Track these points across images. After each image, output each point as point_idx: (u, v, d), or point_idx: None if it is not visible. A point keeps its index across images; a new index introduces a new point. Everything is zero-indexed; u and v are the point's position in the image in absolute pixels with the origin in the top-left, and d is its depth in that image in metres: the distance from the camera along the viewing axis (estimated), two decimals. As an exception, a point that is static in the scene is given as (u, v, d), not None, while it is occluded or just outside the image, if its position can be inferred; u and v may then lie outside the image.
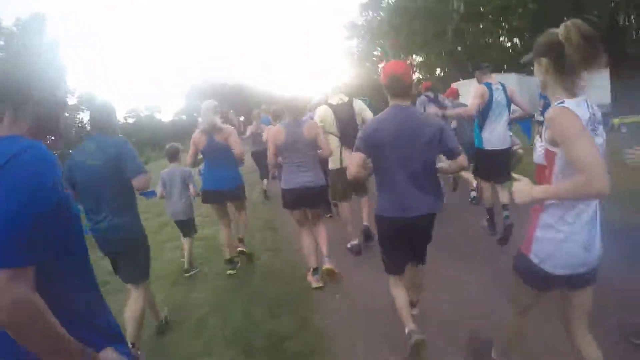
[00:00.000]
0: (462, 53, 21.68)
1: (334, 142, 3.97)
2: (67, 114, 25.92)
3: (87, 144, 2.54)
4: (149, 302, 2.92)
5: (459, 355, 2.39)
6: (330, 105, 4.07)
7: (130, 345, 2.42)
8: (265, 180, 7.67)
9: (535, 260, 1.65)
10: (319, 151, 3.46)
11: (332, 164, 4.16)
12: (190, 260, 4.31)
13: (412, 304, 2.67)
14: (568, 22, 1.47)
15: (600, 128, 1.55)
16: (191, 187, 4.19)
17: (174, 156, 4.25)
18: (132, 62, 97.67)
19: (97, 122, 2.63)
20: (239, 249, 4.27)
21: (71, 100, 27.50)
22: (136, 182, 2.49)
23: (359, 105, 4.16)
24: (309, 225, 3.67)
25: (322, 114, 4.05)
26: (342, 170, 3.82)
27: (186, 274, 4.24)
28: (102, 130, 2.60)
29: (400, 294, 2.47)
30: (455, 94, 6.14)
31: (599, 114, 1.57)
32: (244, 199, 4.27)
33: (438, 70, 26.51)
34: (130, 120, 44.58)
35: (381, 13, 28.92)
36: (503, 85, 4.04)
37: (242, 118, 10.47)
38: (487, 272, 3.39)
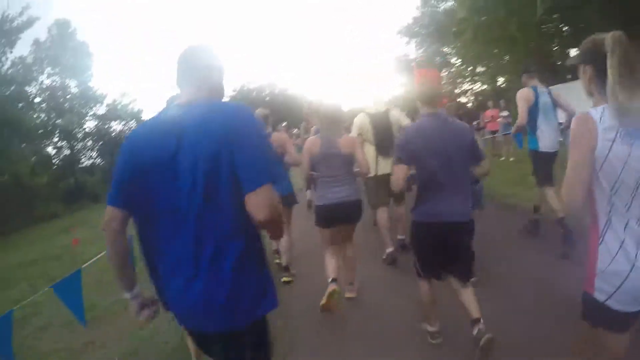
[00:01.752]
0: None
1: (370, 150, 4.07)
2: (97, 123, 26.90)
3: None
4: None
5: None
6: (368, 114, 4.20)
7: None
8: (308, 191, 7.52)
9: (599, 298, 1.46)
10: (355, 169, 3.38)
11: (372, 171, 4.06)
12: None
13: (476, 320, 2.44)
14: (615, 32, 1.40)
15: None
16: None
17: None
18: (160, 64, 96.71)
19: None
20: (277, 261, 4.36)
21: (100, 110, 27.87)
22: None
23: (395, 114, 4.26)
24: (337, 247, 3.52)
25: (360, 123, 4.21)
26: (378, 178, 4.03)
27: None
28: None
29: (427, 294, 2.58)
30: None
31: None
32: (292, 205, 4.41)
33: (500, 80, 24.92)
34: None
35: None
36: (549, 90, 4.25)
37: (283, 124, 10.26)
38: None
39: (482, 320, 2.36)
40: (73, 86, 26.77)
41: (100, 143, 27.65)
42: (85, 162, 28.21)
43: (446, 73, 33.72)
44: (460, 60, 28.83)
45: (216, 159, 1.25)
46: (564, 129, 4.14)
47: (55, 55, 24.80)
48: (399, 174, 2.42)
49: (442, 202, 2.38)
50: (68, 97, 26.33)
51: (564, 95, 4.24)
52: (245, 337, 1.35)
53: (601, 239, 1.44)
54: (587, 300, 1.51)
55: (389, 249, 4.18)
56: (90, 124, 27.97)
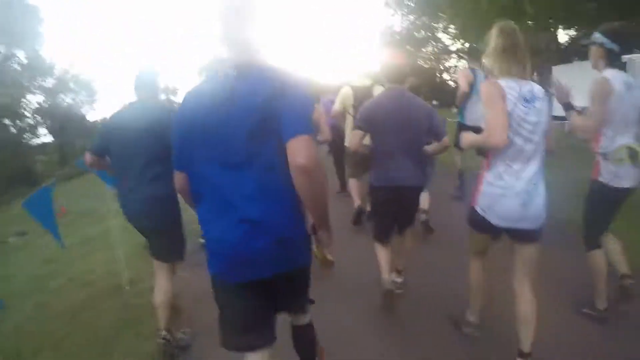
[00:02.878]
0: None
1: (351, 122, 4.26)
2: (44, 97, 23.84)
3: (126, 109, 2.61)
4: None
5: (440, 321, 2.71)
6: (352, 87, 4.36)
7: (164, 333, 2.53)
8: None
9: (480, 212, 2.07)
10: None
11: (348, 143, 4.29)
12: None
13: (398, 271, 3.16)
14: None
15: (538, 103, 1.95)
16: None
17: None
18: (139, 33, 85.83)
19: (137, 89, 2.63)
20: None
21: (48, 82, 24.87)
22: None
23: (378, 89, 4.24)
24: None
25: (344, 95, 4.38)
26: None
27: None
28: (143, 96, 2.62)
29: (383, 255, 2.88)
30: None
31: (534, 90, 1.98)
32: None
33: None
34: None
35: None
36: (485, 74, 4.53)
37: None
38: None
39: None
40: (22, 56, 23.77)
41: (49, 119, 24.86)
42: (35, 140, 25.39)
43: (430, 48, 32.22)
44: (451, 33, 27.24)
45: (266, 115, 1.36)
46: None
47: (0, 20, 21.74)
48: (355, 137, 2.75)
49: (395, 169, 2.67)
50: (12, 68, 23.35)
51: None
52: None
53: (489, 168, 2.05)
54: (471, 212, 2.15)
55: (357, 204, 4.65)
56: (38, 99, 25.09)
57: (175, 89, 44.46)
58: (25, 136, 24.49)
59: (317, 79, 5.23)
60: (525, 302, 2.07)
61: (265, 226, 1.40)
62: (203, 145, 1.45)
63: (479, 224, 2.10)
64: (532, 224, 1.98)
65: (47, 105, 25.06)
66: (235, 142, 1.39)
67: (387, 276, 2.85)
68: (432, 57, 32.95)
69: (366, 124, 2.69)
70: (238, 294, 1.53)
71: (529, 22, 15.20)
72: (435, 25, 30.43)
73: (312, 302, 1.83)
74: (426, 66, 33.16)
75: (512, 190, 1.94)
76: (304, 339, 1.87)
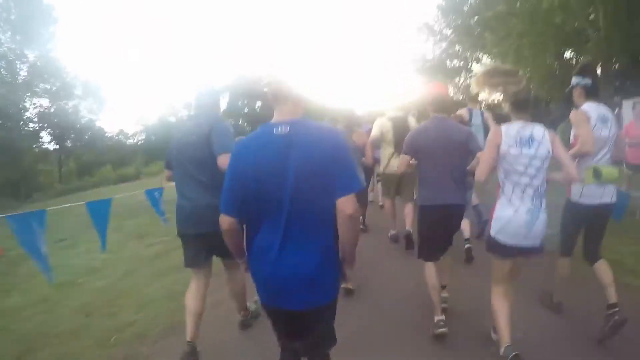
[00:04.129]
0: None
1: (389, 150, 4.81)
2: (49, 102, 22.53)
3: (185, 123, 2.92)
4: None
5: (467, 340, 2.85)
6: (389, 118, 4.85)
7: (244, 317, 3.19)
8: None
9: (492, 233, 2.42)
10: (362, 158, 4.51)
11: (383, 168, 4.95)
12: None
13: (442, 287, 3.16)
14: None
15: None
16: None
17: None
18: (162, 53, 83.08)
19: (198, 103, 2.85)
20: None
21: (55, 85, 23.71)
22: (220, 159, 2.55)
23: (412, 120, 4.88)
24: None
25: (381, 125, 4.85)
26: (390, 175, 4.84)
27: None
28: (204, 111, 2.82)
29: (432, 273, 2.95)
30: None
31: None
32: None
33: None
34: (172, 119, 42.34)
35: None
36: (482, 112, 4.92)
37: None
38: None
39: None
40: (32, 57, 22.78)
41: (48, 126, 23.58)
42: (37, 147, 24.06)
43: (462, 80, 30.40)
44: (485, 64, 25.31)
45: (318, 172, 1.61)
46: None
47: (12, 17, 20.88)
48: (402, 160, 3.08)
49: (440, 189, 2.89)
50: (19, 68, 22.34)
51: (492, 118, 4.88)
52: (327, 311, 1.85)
53: (499, 196, 2.44)
54: (488, 236, 2.48)
55: (392, 232, 5.21)
56: (43, 102, 23.93)
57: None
58: (26, 142, 23.04)
59: (353, 109, 5.25)
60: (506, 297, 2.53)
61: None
62: (255, 191, 1.66)
63: (494, 245, 2.44)
64: (536, 243, 2.40)
65: (52, 110, 23.85)
66: (286, 192, 1.63)
67: (440, 316, 2.86)
68: (462, 88, 31.10)
69: (413, 149, 2.98)
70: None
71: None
72: (468, 55, 28.83)
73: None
74: (457, 98, 31.24)
75: (520, 216, 2.33)
76: None
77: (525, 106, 2.35)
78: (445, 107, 2.99)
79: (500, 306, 2.45)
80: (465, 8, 26.69)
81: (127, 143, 42.45)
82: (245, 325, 3.15)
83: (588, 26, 12.99)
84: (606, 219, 2.84)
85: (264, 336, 2.67)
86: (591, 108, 2.69)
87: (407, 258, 4.38)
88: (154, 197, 5.31)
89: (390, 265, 4.39)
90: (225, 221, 1.73)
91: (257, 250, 1.73)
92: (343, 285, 3.50)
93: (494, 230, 2.39)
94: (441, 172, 2.87)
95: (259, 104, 40.93)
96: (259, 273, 1.74)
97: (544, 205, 2.33)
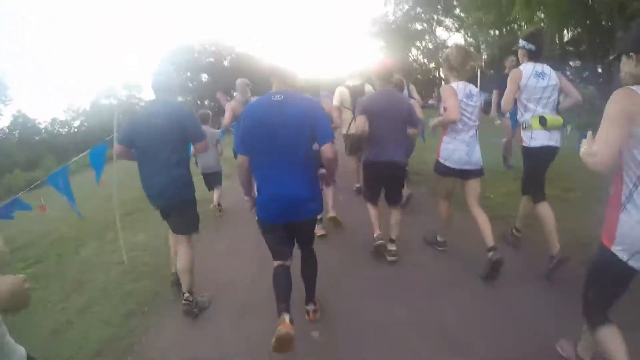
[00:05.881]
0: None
1: (348, 114, 5.17)
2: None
3: (150, 106, 3.16)
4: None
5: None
6: (347, 87, 5.32)
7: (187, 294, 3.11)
8: None
9: (441, 160, 3.24)
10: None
11: (346, 130, 5.24)
12: (219, 202, 5.71)
13: (392, 240, 3.63)
14: None
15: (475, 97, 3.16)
16: (219, 146, 5.75)
17: (205, 120, 5.62)
18: (96, 26, 74.08)
19: (157, 87, 3.08)
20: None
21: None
22: (198, 146, 3.14)
23: (369, 89, 5.28)
24: None
25: (341, 93, 5.32)
26: (349, 135, 5.14)
27: (218, 213, 5.65)
28: (162, 96, 3.08)
29: (374, 213, 3.72)
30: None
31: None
32: None
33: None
34: (106, 102, 38.41)
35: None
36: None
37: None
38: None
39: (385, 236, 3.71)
40: None
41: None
42: None
43: (423, 43, 29.00)
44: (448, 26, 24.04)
45: (303, 125, 2.33)
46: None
47: None
48: (361, 121, 3.41)
49: (384, 148, 3.40)
50: None
51: None
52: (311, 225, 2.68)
53: (447, 132, 3.23)
54: (436, 162, 3.32)
55: (357, 185, 5.86)
56: None
57: (138, 86, 40.01)
58: None
59: (314, 76, 5.85)
60: (480, 214, 3.21)
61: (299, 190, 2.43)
62: (262, 138, 2.35)
63: (442, 170, 3.26)
64: (474, 167, 3.20)
65: None
66: (282, 140, 2.33)
67: (379, 232, 3.68)
68: (425, 52, 29.70)
69: (366, 112, 3.41)
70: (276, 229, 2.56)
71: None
72: (431, 17, 27.33)
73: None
74: (419, 63, 29.81)
75: (461, 146, 3.15)
76: (309, 263, 2.74)
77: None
78: (388, 76, 3.51)
79: (447, 214, 3.52)
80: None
81: (63, 132, 38.56)
82: (189, 313, 3.08)
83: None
84: (551, 160, 3.25)
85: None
86: (526, 67, 3.19)
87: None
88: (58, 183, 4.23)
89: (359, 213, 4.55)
90: (241, 158, 2.48)
91: (264, 180, 2.45)
92: (330, 215, 4.47)
93: (442, 157, 3.26)
94: (386, 134, 3.40)
95: (205, 76, 37.83)
96: (268, 197, 2.43)
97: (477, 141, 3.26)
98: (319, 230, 4.15)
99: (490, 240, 3.06)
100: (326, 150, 2.33)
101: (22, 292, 1.12)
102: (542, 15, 13.82)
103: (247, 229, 4.57)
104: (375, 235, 3.65)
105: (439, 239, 3.72)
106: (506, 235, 3.71)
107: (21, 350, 1.28)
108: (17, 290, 1.11)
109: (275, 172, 2.38)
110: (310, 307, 2.78)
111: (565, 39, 16.44)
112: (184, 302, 3.04)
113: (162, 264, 3.99)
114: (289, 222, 2.47)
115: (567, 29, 15.42)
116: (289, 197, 2.38)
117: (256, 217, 2.63)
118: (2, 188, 20.26)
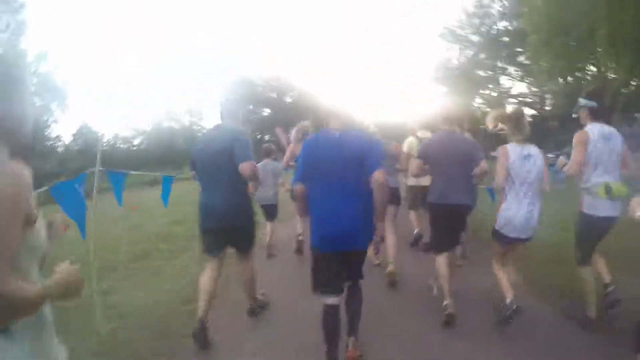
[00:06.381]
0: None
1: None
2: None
3: (211, 131, 3.45)
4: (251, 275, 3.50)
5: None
6: (416, 138, 5.55)
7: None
8: None
9: (497, 227, 3.17)
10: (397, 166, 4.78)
11: (411, 182, 5.55)
12: (272, 241, 5.70)
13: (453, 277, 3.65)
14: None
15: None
16: (280, 179, 5.77)
17: (269, 153, 5.73)
18: (164, 58, 76.46)
19: (224, 117, 3.32)
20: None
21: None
22: (243, 167, 3.00)
23: None
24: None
25: (410, 143, 5.50)
26: (417, 188, 5.42)
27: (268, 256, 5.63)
28: (227, 121, 3.29)
29: (442, 263, 3.47)
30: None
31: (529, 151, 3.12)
32: None
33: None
34: (167, 125, 40.21)
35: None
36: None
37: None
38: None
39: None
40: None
41: None
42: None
43: (488, 92, 27.94)
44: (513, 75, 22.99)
45: (357, 158, 2.52)
46: None
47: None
48: (416, 164, 3.58)
49: (450, 191, 3.37)
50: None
51: None
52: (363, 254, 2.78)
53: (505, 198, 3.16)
54: (493, 229, 3.22)
55: (416, 230, 5.81)
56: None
57: (199, 113, 41.73)
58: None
59: (383, 122, 6.02)
60: (512, 272, 3.34)
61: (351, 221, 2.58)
62: (319, 170, 2.59)
63: (498, 237, 3.20)
64: (527, 235, 3.14)
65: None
66: (338, 172, 2.54)
67: (449, 301, 3.34)
68: (490, 100, 28.59)
69: (425, 156, 3.51)
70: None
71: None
72: (496, 64, 26.46)
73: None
74: (482, 112, 28.70)
75: (521, 213, 3.06)
76: (356, 297, 2.81)
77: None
78: (449, 120, 3.58)
79: (501, 273, 3.24)
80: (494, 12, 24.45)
81: (124, 148, 40.58)
82: (253, 312, 3.53)
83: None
84: (609, 229, 3.10)
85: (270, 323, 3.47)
86: (593, 128, 3.04)
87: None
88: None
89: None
90: (298, 188, 2.71)
91: (321, 211, 2.61)
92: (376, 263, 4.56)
93: (499, 225, 3.17)
94: (449, 175, 3.40)
95: (267, 111, 38.86)
96: (324, 227, 2.58)
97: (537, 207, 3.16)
98: (375, 258, 4.19)
99: (510, 295, 3.06)
100: (377, 175, 2.46)
101: (78, 280, 1.23)
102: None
103: (286, 266, 5.05)
104: (444, 303, 3.33)
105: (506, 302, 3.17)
106: (580, 321, 3.18)
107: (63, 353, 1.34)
108: (74, 277, 1.22)
109: (331, 202, 2.55)
110: (352, 340, 2.77)
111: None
112: (250, 307, 3.54)
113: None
114: (341, 251, 2.59)
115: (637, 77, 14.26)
116: (343, 225, 2.52)
117: (310, 247, 2.76)
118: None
